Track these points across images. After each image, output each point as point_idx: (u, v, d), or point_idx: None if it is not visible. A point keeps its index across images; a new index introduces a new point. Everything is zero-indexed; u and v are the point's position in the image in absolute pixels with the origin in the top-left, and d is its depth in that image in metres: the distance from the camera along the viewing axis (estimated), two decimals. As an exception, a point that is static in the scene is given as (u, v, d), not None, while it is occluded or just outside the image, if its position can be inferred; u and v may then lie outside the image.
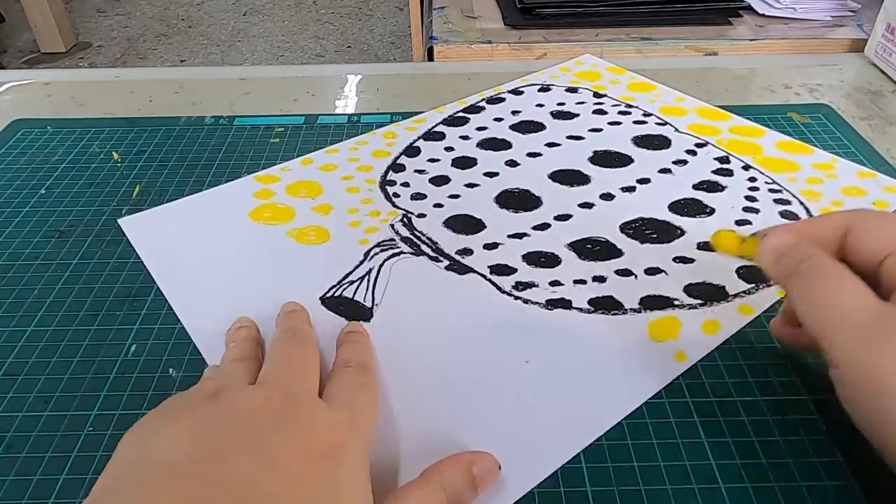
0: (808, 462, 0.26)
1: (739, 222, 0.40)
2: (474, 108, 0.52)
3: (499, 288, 0.35)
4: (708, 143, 0.48)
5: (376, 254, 0.38)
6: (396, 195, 0.42)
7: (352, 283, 0.36)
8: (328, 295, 0.35)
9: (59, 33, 2.15)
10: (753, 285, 0.35)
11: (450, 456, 0.26)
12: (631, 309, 0.34)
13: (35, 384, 0.31)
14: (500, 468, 0.26)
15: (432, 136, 0.49)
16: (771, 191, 0.43)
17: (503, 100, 0.53)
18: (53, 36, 2.15)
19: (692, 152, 0.47)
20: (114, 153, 0.47)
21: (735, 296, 0.35)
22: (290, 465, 0.22)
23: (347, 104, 0.53)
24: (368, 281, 0.36)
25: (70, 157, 0.47)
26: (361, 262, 0.37)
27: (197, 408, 0.25)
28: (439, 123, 0.50)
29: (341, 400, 0.27)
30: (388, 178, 0.44)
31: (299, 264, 0.37)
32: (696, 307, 0.34)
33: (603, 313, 0.34)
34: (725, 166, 0.45)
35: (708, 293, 0.35)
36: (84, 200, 0.43)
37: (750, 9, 0.72)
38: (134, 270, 0.37)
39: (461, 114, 0.51)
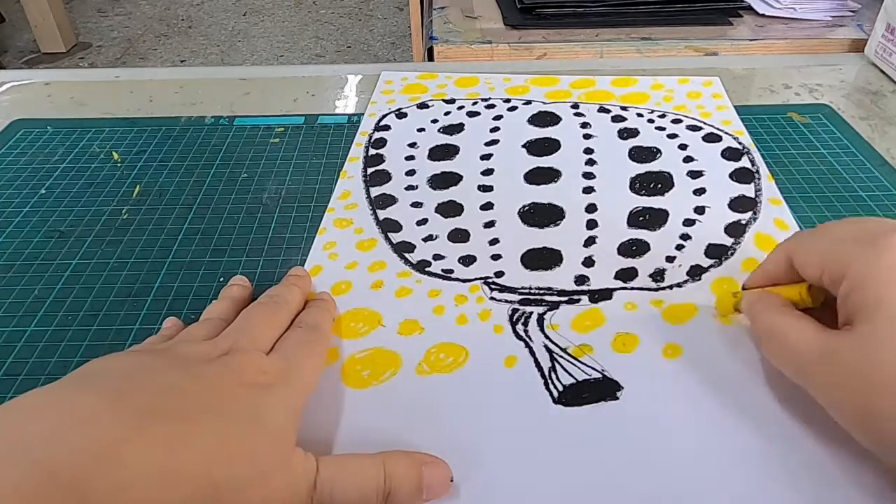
0: (808, 462, 0.26)
1: (692, 174, 0.43)
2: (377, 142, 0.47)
3: (651, 289, 0.35)
4: (578, 103, 0.51)
5: (525, 331, 0.33)
6: (436, 272, 0.36)
7: (554, 369, 0.31)
8: (559, 396, 0.30)
9: (59, 33, 2.15)
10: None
11: (405, 450, 0.26)
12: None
13: (35, 384, 0.30)
14: (452, 481, 0.25)
15: (380, 199, 0.42)
16: (675, 122, 0.48)
17: (384, 141, 0.47)
18: (53, 36, 2.15)
19: (579, 114, 0.49)
20: (114, 153, 0.47)
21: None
22: (217, 383, 0.24)
23: (347, 104, 0.53)
24: (563, 357, 0.31)
25: (70, 157, 0.47)
26: (529, 347, 0.32)
27: (144, 350, 0.28)
28: (367, 178, 0.44)
29: (280, 352, 0.28)
30: (411, 258, 0.37)
31: (484, 393, 0.30)
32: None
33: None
34: (623, 124, 0.48)
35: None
36: (84, 200, 0.43)
37: (750, 9, 0.72)
38: (134, 270, 0.37)
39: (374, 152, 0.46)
